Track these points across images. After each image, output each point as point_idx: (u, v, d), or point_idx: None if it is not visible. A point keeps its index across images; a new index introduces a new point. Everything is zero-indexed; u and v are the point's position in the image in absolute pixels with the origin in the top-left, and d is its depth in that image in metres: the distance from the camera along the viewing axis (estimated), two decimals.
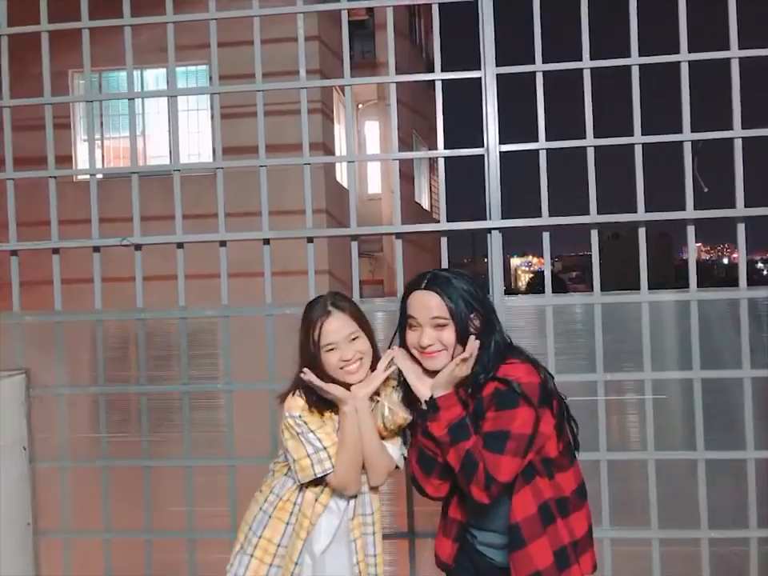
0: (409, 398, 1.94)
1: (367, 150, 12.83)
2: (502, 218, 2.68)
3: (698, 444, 2.63)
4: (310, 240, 2.83)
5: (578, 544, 1.81)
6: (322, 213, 7.41)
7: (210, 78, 3.02)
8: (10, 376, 2.83)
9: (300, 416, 1.94)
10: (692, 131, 2.64)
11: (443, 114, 2.79)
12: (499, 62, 2.70)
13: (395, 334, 1.94)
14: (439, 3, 2.79)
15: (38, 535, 2.90)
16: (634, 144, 2.67)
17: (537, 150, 2.70)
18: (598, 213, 2.69)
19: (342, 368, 1.93)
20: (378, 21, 11.87)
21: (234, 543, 2.07)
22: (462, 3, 2.76)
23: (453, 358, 1.80)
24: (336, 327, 1.93)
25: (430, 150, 14.42)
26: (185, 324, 2.85)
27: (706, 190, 2.73)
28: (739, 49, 2.63)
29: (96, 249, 2.93)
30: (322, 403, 1.96)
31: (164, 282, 3.11)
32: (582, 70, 2.68)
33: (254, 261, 2.85)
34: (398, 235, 2.78)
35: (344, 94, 2.88)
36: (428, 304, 1.80)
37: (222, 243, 2.87)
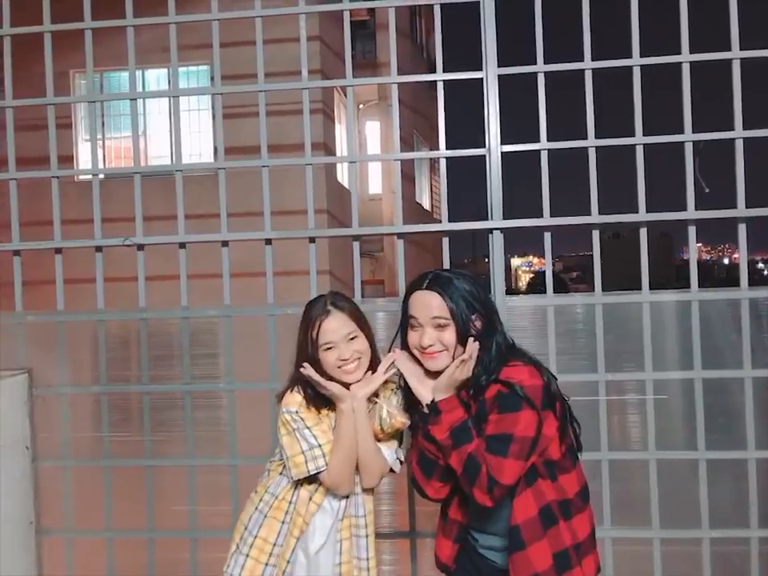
0: (409, 400, 1.93)
1: (368, 151, 12.83)
2: (504, 219, 2.69)
3: (699, 444, 2.64)
4: (312, 240, 2.84)
5: (580, 546, 1.81)
6: (323, 213, 7.42)
7: (212, 79, 3.03)
8: (12, 375, 2.84)
9: (297, 411, 1.94)
10: (693, 131, 2.65)
11: (445, 113, 2.80)
12: (501, 63, 2.71)
13: (396, 335, 1.94)
14: (441, 3, 2.80)
15: (40, 534, 2.91)
16: (635, 145, 2.68)
17: (538, 151, 2.71)
18: (600, 213, 2.69)
19: (339, 367, 1.93)
20: (380, 21, 11.87)
21: (231, 544, 2.08)
22: (463, 3, 2.76)
23: (454, 358, 1.80)
24: (335, 326, 1.94)
25: (431, 150, 14.43)
26: (187, 324, 2.86)
27: (707, 190, 2.73)
28: (741, 50, 2.64)
29: (98, 249, 2.94)
30: (319, 400, 1.96)
31: (166, 281, 3.12)
32: (583, 70, 2.68)
33: (255, 261, 2.86)
34: (400, 235, 2.79)
35: (345, 95, 2.88)
36: (429, 304, 1.80)
37: (224, 243, 2.88)
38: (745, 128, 2.64)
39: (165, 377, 2.95)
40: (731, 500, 2.74)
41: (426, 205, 15.79)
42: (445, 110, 2.79)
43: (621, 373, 2.71)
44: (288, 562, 1.96)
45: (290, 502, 1.99)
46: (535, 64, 2.68)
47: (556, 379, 1.85)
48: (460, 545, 1.97)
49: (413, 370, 1.88)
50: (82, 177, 6.49)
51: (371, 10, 10.69)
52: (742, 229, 2.67)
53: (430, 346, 1.80)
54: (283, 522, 1.98)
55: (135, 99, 2.99)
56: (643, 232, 2.71)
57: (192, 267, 2.90)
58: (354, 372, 1.95)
